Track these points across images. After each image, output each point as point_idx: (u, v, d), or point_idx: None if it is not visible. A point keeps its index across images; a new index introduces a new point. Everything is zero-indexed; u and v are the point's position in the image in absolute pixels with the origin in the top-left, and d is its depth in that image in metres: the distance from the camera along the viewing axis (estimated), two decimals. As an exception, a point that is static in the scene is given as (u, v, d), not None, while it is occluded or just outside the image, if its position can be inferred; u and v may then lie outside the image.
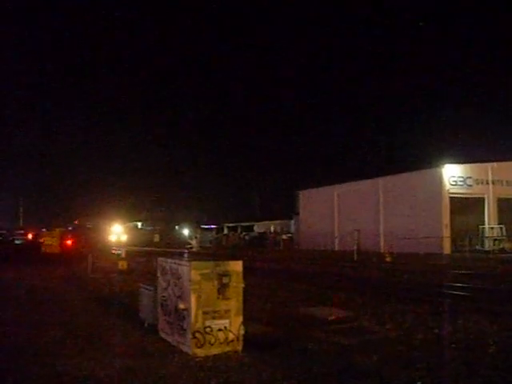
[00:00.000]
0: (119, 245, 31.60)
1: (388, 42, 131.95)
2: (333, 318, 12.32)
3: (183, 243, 64.17)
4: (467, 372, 7.58)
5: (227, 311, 9.13)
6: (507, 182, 46.13)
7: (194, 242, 61.30)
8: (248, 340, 9.37)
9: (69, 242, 61.50)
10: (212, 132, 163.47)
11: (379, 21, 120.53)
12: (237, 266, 9.41)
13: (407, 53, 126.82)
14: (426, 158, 47.30)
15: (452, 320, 11.50)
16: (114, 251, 34.91)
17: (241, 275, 9.37)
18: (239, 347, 9.18)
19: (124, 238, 32.54)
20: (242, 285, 9.37)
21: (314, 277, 24.38)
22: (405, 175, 48.34)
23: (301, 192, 62.62)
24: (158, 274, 10.80)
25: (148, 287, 11.95)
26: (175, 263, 9.93)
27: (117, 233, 32.45)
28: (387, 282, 22.02)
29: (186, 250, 49.58)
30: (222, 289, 9.11)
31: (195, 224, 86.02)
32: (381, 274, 25.93)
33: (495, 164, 45.64)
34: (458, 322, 11.38)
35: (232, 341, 9.14)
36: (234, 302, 9.22)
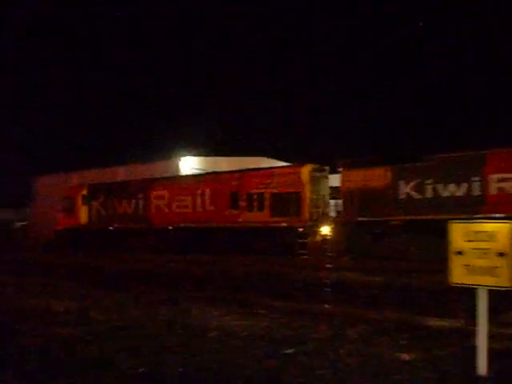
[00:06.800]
0: None
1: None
2: (61, 309, 11.85)
3: None
4: (186, 355, 7.88)
5: None
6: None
7: None
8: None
9: None
10: None
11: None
12: None
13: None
14: (172, 151, 49.68)
15: (184, 308, 11.93)
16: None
17: None
18: None
19: None
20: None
21: (45, 267, 23.54)
22: (145, 165, 48.84)
23: (38, 178, 58.23)
24: None
25: None
26: None
27: None
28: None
29: None
30: None
31: None
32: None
33: (230, 158, 48.53)
34: (192, 310, 11.78)
35: None
36: None
